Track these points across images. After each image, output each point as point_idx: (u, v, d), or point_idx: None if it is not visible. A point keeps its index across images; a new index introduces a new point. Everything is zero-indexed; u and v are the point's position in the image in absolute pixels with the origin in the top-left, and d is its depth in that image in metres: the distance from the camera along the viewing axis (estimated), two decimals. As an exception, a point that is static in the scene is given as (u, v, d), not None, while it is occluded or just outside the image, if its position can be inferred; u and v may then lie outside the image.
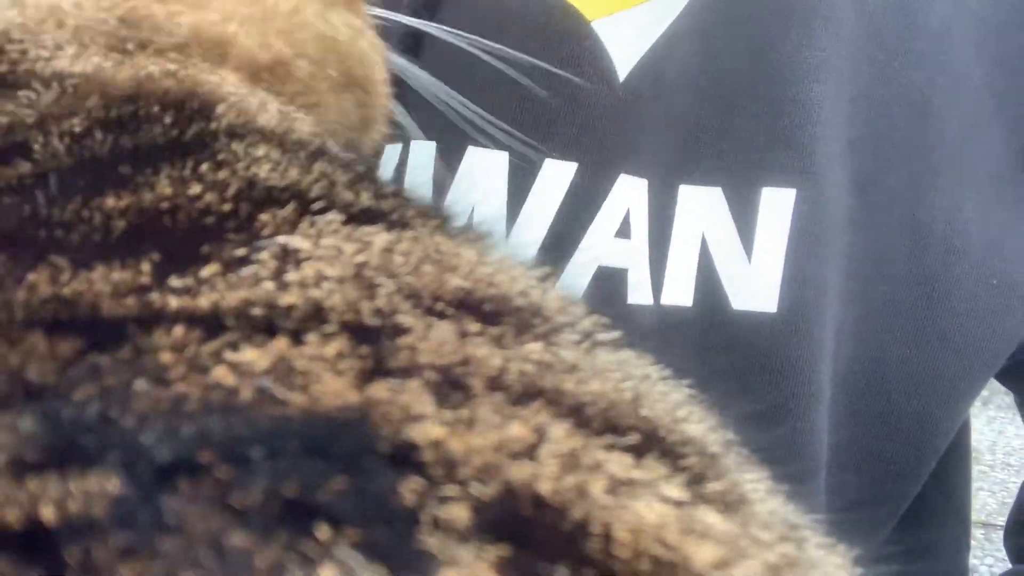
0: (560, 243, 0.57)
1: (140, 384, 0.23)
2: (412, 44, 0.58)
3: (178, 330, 0.25)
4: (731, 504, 0.25)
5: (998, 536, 2.43)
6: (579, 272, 0.57)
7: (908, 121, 0.58)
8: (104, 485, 0.20)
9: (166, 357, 0.24)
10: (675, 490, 0.24)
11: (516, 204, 0.58)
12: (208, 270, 0.26)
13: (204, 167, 0.30)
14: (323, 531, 0.20)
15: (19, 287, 0.26)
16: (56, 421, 0.22)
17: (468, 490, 0.21)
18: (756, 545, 0.24)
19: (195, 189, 0.29)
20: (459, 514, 0.21)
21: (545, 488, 0.22)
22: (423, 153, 0.58)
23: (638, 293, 0.57)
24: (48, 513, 0.20)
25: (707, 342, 0.57)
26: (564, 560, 0.21)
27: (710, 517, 0.23)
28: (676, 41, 0.57)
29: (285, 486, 0.21)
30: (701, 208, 0.56)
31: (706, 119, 0.56)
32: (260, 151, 0.32)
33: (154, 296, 0.26)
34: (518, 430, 0.23)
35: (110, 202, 0.28)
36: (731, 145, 0.56)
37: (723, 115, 0.56)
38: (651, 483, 0.24)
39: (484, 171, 0.58)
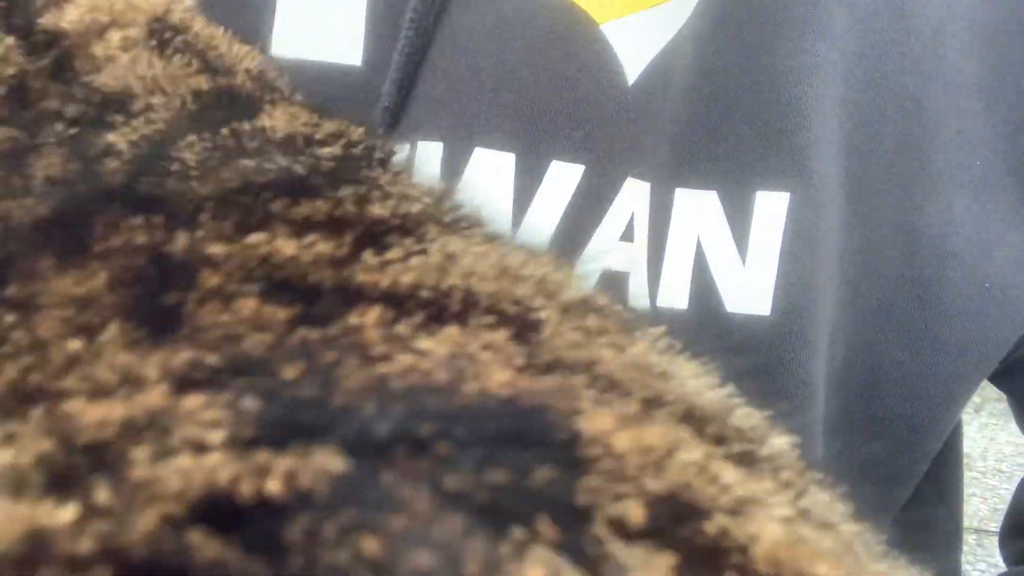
0: (566, 246, 0.58)
1: (350, 362, 0.24)
2: (422, 45, 0.59)
3: (377, 309, 0.26)
4: (827, 523, 0.25)
5: (990, 542, 2.44)
6: (584, 276, 0.58)
7: (900, 125, 0.58)
8: (327, 462, 0.21)
9: (371, 335, 0.25)
10: (787, 507, 0.24)
11: (522, 206, 0.58)
12: (393, 253, 0.28)
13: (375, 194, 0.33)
14: (528, 524, 0.20)
15: (243, 240, 0.27)
16: (275, 397, 0.23)
17: (642, 487, 0.22)
18: (859, 564, 0.24)
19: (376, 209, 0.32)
20: (635, 512, 0.21)
21: (695, 495, 0.22)
22: (429, 153, 0.59)
23: (637, 296, 0.58)
24: (274, 488, 0.20)
25: (702, 344, 0.57)
26: (722, 572, 0.21)
27: (819, 534, 0.24)
28: (680, 45, 0.58)
29: (491, 473, 0.21)
30: (696, 211, 0.57)
31: (700, 123, 0.57)
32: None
33: (352, 270, 0.27)
34: (659, 432, 0.24)
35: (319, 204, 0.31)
36: (725, 149, 0.57)
37: (717, 119, 0.57)
38: (767, 498, 0.24)
39: (491, 173, 0.58)
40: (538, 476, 0.21)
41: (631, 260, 0.58)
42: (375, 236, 0.30)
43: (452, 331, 0.25)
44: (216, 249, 0.28)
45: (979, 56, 0.59)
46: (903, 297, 0.60)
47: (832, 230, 0.58)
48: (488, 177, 0.58)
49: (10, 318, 0.27)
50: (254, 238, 0.28)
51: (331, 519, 0.20)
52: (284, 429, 0.22)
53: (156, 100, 0.36)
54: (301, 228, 0.29)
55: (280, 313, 0.25)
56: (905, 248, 0.59)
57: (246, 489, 0.20)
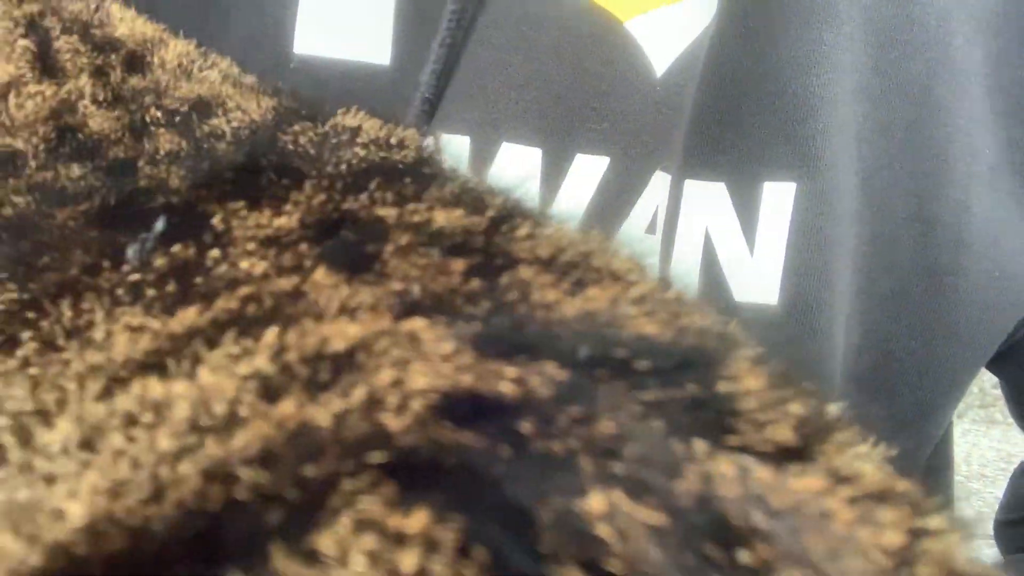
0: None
1: (531, 302, 0.28)
2: (462, 38, 0.60)
3: (535, 267, 0.30)
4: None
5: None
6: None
7: (909, 112, 0.59)
8: (550, 370, 0.24)
9: (540, 284, 0.29)
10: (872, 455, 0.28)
11: (549, 201, 0.59)
12: (522, 230, 0.33)
13: None
14: (710, 434, 0.24)
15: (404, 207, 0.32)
16: (487, 323, 0.27)
17: (786, 413, 0.25)
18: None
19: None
20: (783, 433, 0.25)
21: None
22: (456, 147, 0.60)
23: None
24: (508, 389, 0.24)
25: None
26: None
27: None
28: (704, 39, 0.59)
29: (676, 391, 0.25)
30: (705, 203, 0.58)
31: (709, 115, 0.58)
32: None
33: (498, 239, 0.32)
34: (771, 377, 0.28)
35: None
36: (732, 140, 0.58)
37: (725, 111, 0.58)
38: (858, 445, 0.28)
39: (518, 167, 0.60)
40: (710, 396, 0.25)
41: (652, 252, 0.59)
42: (505, 216, 0.33)
43: (595, 291, 0.29)
44: (386, 212, 0.33)
45: (979, 45, 0.60)
46: (918, 285, 0.61)
47: (844, 219, 0.59)
48: (515, 171, 0.59)
49: (215, 253, 0.31)
50: (413, 206, 0.33)
51: (561, 413, 0.23)
52: (503, 347, 0.25)
53: (236, 103, 0.40)
54: (446, 203, 0.33)
55: (458, 264, 0.29)
56: (920, 237, 0.60)
57: (483, 389, 0.24)
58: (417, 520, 0.21)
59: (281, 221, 0.32)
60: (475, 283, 0.29)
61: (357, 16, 0.61)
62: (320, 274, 0.30)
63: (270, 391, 0.25)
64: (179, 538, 0.22)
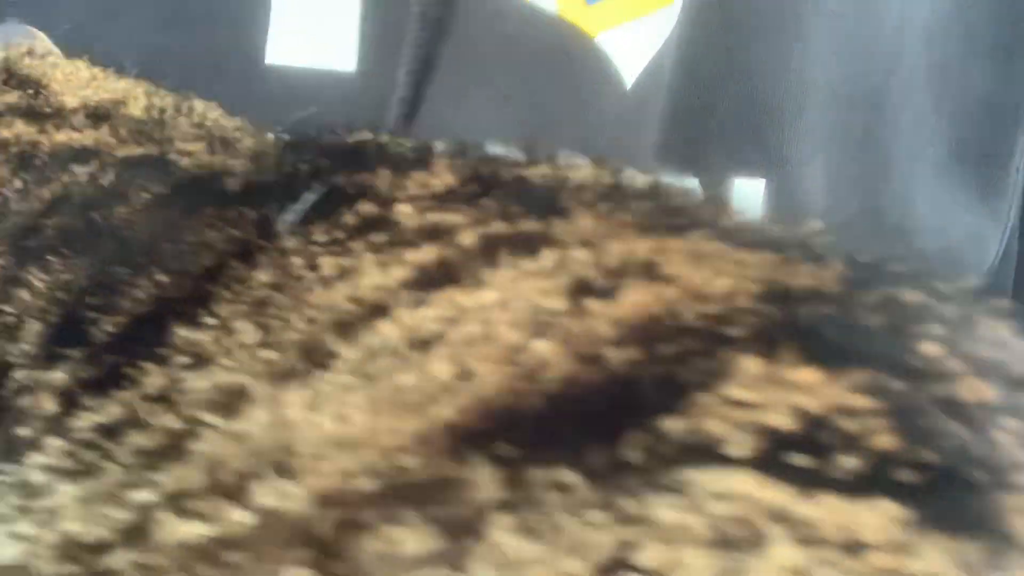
0: None
1: None
2: (429, 54, 0.62)
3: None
4: None
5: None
6: None
7: (865, 116, 0.65)
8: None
9: None
10: None
11: None
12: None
13: None
14: None
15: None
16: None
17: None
18: None
19: None
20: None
21: None
22: None
23: None
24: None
25: None
26: None
27: None
28: (668, 48, 0.63)
29: None
30: None
31: (683, 118, 0.62)
32: None
33: None
34: None
35: None
36: (706, 140, 0.62)
37: (698, 114, 0.62)
38: None
39: None
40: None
41: None
42: None
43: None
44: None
45: (927, 52, 0.66)
46: None
47: (811, 215, 0.64)
48: None
49: (405, 208, 0.35)
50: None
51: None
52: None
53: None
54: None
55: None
56: (869, 228, 0.65)
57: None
58: (811, 374, 0.24)
59: (438, 181, 0.36)
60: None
61: (324, 25, 0.63)
62: (527, 223, 0.33)
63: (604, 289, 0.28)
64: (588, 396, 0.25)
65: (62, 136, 0.43)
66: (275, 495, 0.25)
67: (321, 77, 0.63)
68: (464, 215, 0.33)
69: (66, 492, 0.30)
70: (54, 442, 0.32)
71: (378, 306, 0.30)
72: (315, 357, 0.29)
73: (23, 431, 0.33)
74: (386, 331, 0.29)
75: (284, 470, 0.26)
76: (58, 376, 0.34)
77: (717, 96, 0.62)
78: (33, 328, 0.36)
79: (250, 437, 0.28)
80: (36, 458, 0.32)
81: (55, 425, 0.33)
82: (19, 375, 0.35)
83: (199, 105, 0.47)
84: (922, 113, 0.67)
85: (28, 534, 0.29)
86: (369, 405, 0.27)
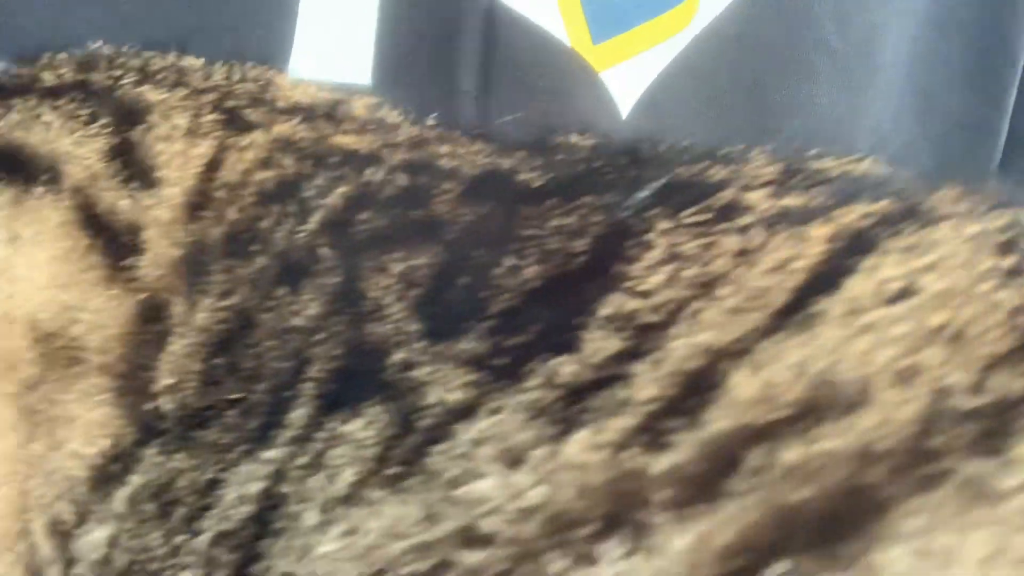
0: None
1: None
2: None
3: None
4: None
5: None
6: None
7: (868, 144, 0.72)
8: None
9: None
10: None
11: None
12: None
13: None
14: None
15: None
16: None
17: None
18: None
19: None
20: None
21: None
22: None
23: None
24: None
25: None
26: None
27: None
28: (672, 81, 0.69)
29: None
30: None
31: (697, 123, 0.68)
32: None
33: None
34: None
35: None
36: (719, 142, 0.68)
37: (712, 119, 0.69)
38: None
39: None
40: None
41: None
42: None
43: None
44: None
45: (911, 78, 0.74)
46: None
47: None
48: None
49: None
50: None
51: None
52: None
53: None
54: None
55: None
56: None
57: None
58: None
59: (766, 172, 0.41)
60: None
61: (343, 40, 0.67)
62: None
63: None
64: None
65: (343, 139, 0.46)
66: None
67: (339, 89, 0.67)
68: (804, 197, 0.38)
69: None
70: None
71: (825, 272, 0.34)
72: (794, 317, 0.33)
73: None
74: (857, 288, 0.33)
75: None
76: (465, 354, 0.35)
77: (739, 129, 0.68)
78: (398, 312, 0.38)
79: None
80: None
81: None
82: (401, 356, 0.36)
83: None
84: (895, 105, 0.73)
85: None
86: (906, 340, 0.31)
